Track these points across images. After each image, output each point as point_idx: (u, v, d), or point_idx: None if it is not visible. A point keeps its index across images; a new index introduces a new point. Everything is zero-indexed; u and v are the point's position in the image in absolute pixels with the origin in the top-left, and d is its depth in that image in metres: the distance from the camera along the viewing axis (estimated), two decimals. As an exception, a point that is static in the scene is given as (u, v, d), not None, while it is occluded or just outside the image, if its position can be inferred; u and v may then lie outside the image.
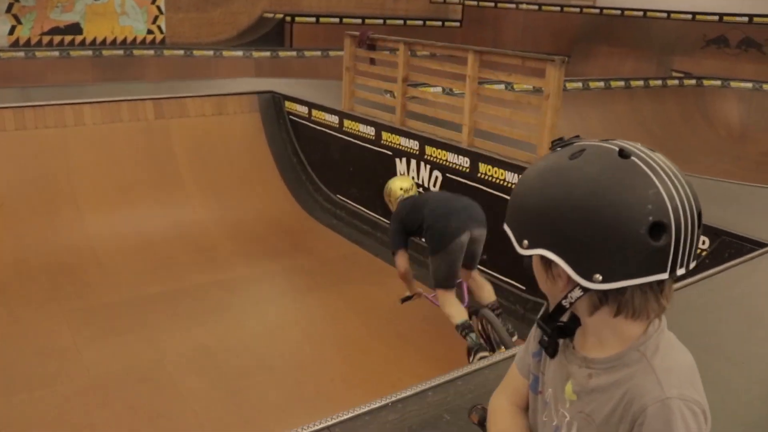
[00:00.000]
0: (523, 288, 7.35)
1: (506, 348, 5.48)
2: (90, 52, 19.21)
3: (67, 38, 19.73)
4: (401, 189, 6.51)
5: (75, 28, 19.88)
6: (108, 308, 7.32)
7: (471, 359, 5.45)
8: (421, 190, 7.85)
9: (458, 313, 5.86)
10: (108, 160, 9.66)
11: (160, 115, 10.19)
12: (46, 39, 19.33)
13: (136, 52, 19.45)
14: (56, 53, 18.73)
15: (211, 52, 19.59)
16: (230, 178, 10.30)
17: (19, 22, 19.12)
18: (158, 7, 20.83)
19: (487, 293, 6.23)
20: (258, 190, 10.34)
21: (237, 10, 22.17)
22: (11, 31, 19.03)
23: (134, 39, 20.54)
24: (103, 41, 20.11)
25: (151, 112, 10.08)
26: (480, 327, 5.91)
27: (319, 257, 9.00)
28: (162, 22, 20.90)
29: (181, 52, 19.46)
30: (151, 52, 19.42)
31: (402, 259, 6.16)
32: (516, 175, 7.53)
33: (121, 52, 19.36)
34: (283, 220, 9.99)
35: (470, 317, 5.86)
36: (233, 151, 10.53)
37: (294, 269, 8.63)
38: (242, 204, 10.00)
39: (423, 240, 6.18)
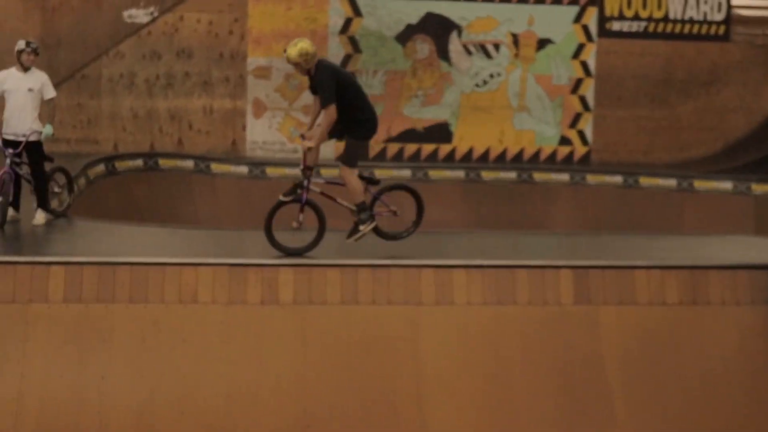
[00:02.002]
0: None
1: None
2: (461, 173, 19.46)
3: (427, 148, 19.92)
4: (311, 47, 9.31)
5: (440, 132, 20.01)
6: None
7: (360, 228, 9.81)
8: None
9: (361, 191, 9.77)
10: (482, 363, 9.62)
11: (582, 295, 10.02)
12: (393, 149, 19.82)
13: (538, 175, 19.49)
14: (406, 173, 19.00)
15: (673, 181, 19.23)
16: (709, 419, 9.90)
17: None
18: (582, 99, 20.47)
19: None
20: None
21: (724, 105, 21.45)
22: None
23: (537, 152, 20.17)
24: (484, 155, 20.06)
25: (566, 288, 9.94)
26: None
27: None
28: (587, 124, 20.61)
29: (618, 178, 19.35)
30: (566, 176, 19.38)
31: (335, 111, 9.32)
32: None
33: (512, 174, 19.47)
34: None
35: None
36: (717, 375, 10.04)
37: None
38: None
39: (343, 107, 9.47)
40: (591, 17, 20.22)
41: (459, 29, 19.47)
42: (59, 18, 19.80)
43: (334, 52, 18.87)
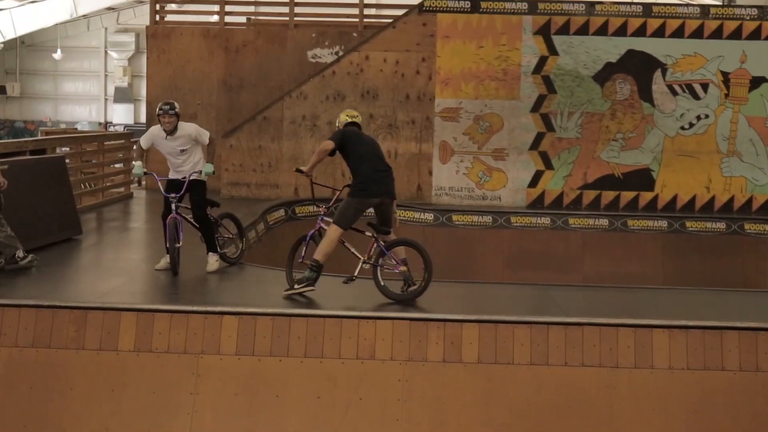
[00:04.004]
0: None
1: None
2: (664, 223, 19.04)
3: (626, 196, 19.54)
4: (347, 116, 10.41)
5: (641, 178, 19.57)
6: None
7: (296, 287, 9.84)
8: None
9: (326, 254, 9.85)
10: None
11: None
12: (589, 196, 19.38)
13: (750, 227, 18.93)
14: (603, 222, 18.74)
15: None
16: None
17: (548, 165, 19.32)
18: None
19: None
20: None
21: None
22: (533, 182, 19.41)
23: (749, 201, 19.61)
24: (689, 203, 19.59)
25: None
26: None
27: None
28: None
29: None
30: None
31: (330, 147, 9.94)
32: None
33: (721, 225, 18.96)
34: None
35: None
36: None
37: None
38: None
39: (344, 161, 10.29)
40: (811, 53, 19.39)
41: (663, 68, 18.88)
42: (243, 59, 20.44)
43: (527, 92, 18.62)
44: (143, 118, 35.22)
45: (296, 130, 18.84)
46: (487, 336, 9.06)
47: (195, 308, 9.24)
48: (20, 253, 10.54)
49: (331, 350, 8.99)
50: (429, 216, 18.62)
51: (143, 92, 36.55)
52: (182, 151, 10.72)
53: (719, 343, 9.56)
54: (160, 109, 10.58)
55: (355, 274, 10.00)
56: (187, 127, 10.80)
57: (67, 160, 14.80)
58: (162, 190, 10.91)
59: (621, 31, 18.84)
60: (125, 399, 8.73)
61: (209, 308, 9.18)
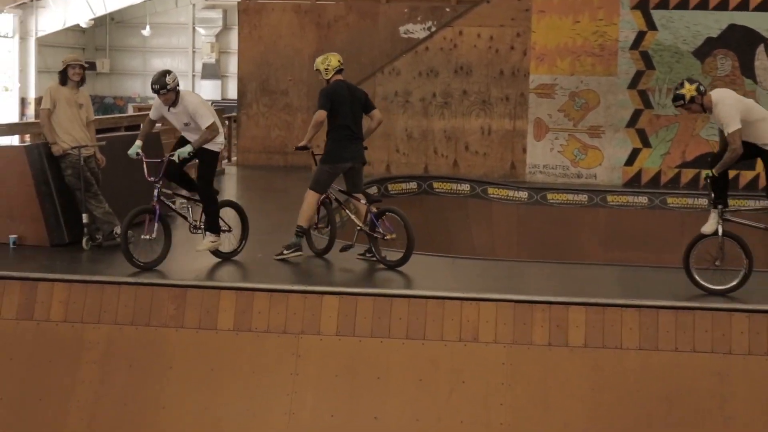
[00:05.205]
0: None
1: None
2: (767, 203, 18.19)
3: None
4: (340, 62, 10.60)
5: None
6: None
7: (285, 252, 10.32)
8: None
9: (308, 218, 10.42)
10: None
11: None
12: (688, 174, 18.86)
13: None
14: (702, 202, 17.89)
15: None
16: None
17: (646, 143, 18.85)
18: None
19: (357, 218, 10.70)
20: None
21: None
22: (630, 160, 18.95)
23: None
24: None
25: None
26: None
27: None
28: None
29: None
30: None
31: (323, 117, 10.31)
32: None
33: None
34: None
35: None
36: None
37: None
38: None
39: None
40: None
41: (766, 43, 18.24)
42: (334, 34, 20.19)
43: (625, 68, 18.18)
44: (230, 94, 35.30)
45: (388, 107, 18.59)
46: (594, 319, 8.79)
47: (295, 287, 9.11)
48: (118, 230, 10.42)
49: (433, 332, 8.80)
50: (523, 194, 18.32)
51: (231, 68, 36.62)
52: (186, 125, 10.09)
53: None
54: (152, 88, 9.85)
55: (354, 241, 10.59)
56: (188, 101, 10.02)
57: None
58: (146, 174, 10.02)
59: (722, 5, 18.21)
60: (225, 379, 8.65)
61: (309, 287, 9.04)
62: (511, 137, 18.83)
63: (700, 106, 9.24)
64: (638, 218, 17.92)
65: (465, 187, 18.42)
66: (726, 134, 9.21)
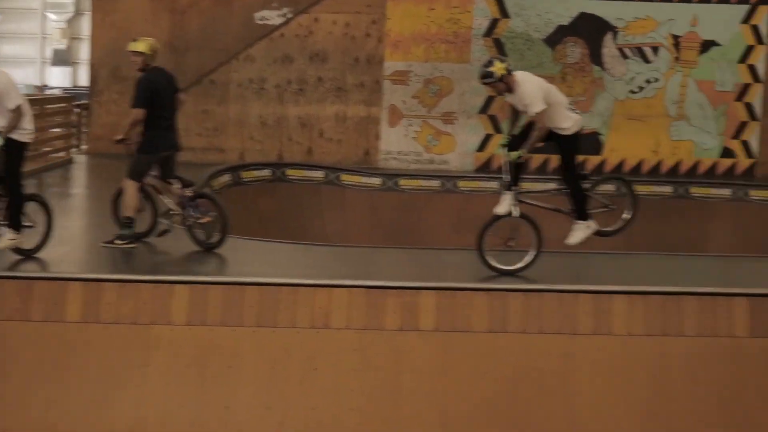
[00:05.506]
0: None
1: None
2: (611, 187, 17.75)
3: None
4: (155, 46, 10.60)
5: (590, 142, 19.42)
6: None
7: (116, 242, 10.26)
8: None
9: (132, 208, 10.35)
10: (642, 401, 9.38)
11: (760, 328, 9.74)
12: (537, 160, 19.01)
13: (695, 190, 19.60)
14: (551, 185, 18.12)
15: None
16: None
17: (498, 129, 19.52)
18: (748, 107, 20.15)
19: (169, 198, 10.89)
20: None
21: None
22: (482, 146, 19.51)
23: (695, 165, 20.10)
24: (636, 167, 19.97)
25: (741, 319, 9.75)
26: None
27: None
28: (753, 135, 20.28)
29: (782, 195, 18.96)
30: (727, 192, 19.40)
31: (142, 116, 10.29)
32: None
33: (668, 189, 19.43)
34: None
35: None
36: None
37: None
38: None
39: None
40: (762, 17, 19.50)
41: (614, 31, 19.07)
42: (188, 21, 20.14)
43: (478, 55, 18.58)
44: (81, 81, 34.72)
45: (243, 93, 18.77)
46: (444, 304, 9.07)
47: (144, 277, 9.09)
48: None
49: (285, 319, 8.94)
50: (376, 180, 18.69)
51: (82, 55, 35.99)
52: None
53: (677, 310, 9.73)
54: None
55: (171, 223, 10.71)
56: None
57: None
58: None
59: (574, -6, 19.11)
60: (71, 372, 8.62)
61: (160, 278, 9.04)
62: (365, 124, 19.15)
63: (506, 85, 9.57)
64: (489, 203, 18.07)
65: (319, 174, 18.63)
66: (530, 114, 9.58)
